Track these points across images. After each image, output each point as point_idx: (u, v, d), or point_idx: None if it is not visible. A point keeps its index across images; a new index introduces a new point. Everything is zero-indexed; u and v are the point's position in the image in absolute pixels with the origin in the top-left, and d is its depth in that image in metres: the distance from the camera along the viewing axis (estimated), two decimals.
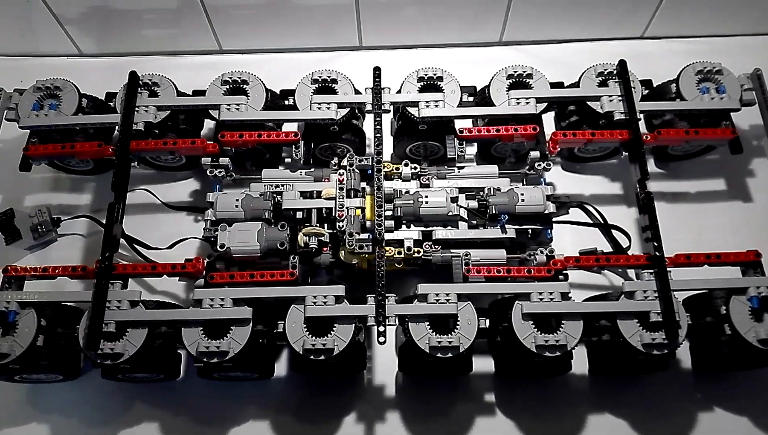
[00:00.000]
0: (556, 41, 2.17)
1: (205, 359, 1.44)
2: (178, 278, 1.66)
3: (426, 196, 1.60)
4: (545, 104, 1.71)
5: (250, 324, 1.45)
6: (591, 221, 1.76)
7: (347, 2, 2.02)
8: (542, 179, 1.70)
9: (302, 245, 1.56)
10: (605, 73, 1.73)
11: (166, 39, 2.16)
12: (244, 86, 1.74)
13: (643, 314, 1.45)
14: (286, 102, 1.78)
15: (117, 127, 1.68)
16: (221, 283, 1.52)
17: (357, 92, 1.73)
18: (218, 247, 1.55)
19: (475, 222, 1.62)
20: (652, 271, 1.51)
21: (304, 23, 2.10)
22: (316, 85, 1.73)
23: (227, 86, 1.74)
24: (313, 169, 1.69)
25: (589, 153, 1.87)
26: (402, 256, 1.57)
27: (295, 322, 1.45)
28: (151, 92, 1.75)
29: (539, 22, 2.11)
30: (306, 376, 1.63)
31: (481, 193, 1.64)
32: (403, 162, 1.68)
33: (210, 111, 1.72)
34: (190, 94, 1.80)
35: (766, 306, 1.46)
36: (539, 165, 1.70)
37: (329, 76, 1.73)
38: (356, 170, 1.63)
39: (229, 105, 1.70)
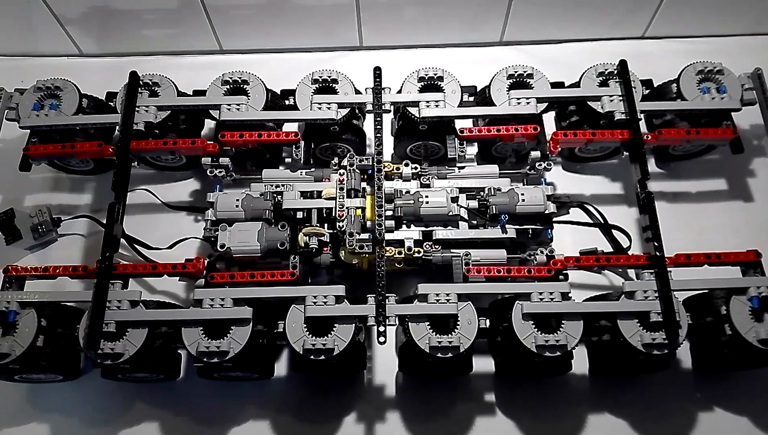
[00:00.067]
0: (556, 41, 2.17)
1: (205, 359, 1.44)
2: (178, 278, 1.66)
3: (426, 196, 1.60)
4: (546, 104, 1.71)
5: (251, 324, 1.45)
6: (591, 221, 1.76)
7: (347, 2, 2.02)
8: (543, 179, 1.70)
9: (302, 245, 1.56)
10: (606, 73, 1.73)
11: (166, 39, 2.16)
12: (245, 86, 1.74)
13: (643, 314, 1.45)
14: (287, 102, 1.78)
15: (117, 127, 1.68)
16: (221, 283, 1.52)
17: (357, 92, 1.73)
18: (218, 247, 1.55)
19: (475, 222, 1.62)
20: (652, 271, 1.51)
21: (304, 23, 2.10)
22: (317, 85, 1.73)
23: (227, 86, 1.74)
24: (313, 169, 1.69)
25: (589, 153, 1.87)
26: (402, 256, 1.57)
27: (296, 322, 1.45)
28: (151, 92, 1.75)
29: (539, 22, 2.11)
30: (306, 376, 1.63)
31: (482, 193, 1.64)
32: (404, 162, 1.68)
33: (210, 111, 1.72)
34: (191, 94, 1.80)
35: (766, 306, 1.46)
36: (540, 165, 1.70)
37: (329, 76, 1.73)
38: (356, 170, 1.63)
39: (229, 105, 1.70)
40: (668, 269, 1.48)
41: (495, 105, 1.70)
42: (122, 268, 1.55)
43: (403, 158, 1.77)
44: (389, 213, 1.59)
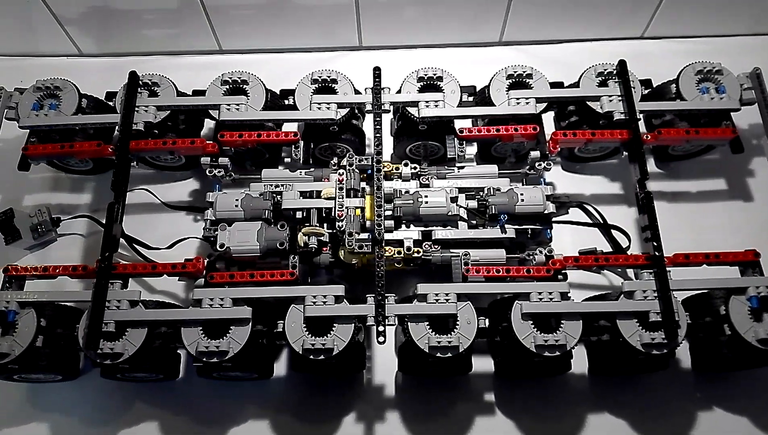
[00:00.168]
0: (556, 41, 2.17)
1: (204, 359, 1.44)
2: (177, 278, 1.66)
3: (426, 196, 1.60)
4: (545, 104, 1.71)
5: (250, 324, 1.45)
6: (590, 221, 1.76)
7: (347, 2, 2.02)
8: (542, 179, 1.70)
9: (302, 245, 1.56)
10: (605, 73, 1.73)
11: (166, 39, 2.16)
12: (244, 86, 1.74)
13: (642, 314, 1.45)
14: (286, 102, 1.78)
15: (117, 127, 1.68)
16: (221, 282, 1.52)
17: (357, 92, 1.73)
18: (218, 247, 1.55)
19: (474, 222, 1.62)
20: (651, 270, 1.51)
21: (304, 23, 2.10)
22: (316, 85, 1.73)
23: (227, 86, 1.74)
24: (312, 169, 1.69)
25: (589, 153, 1.87)
26: (402, 255, 1.57)
27: (295, 322, 1.45)
28: (151, 92, 1.75)
29: (539, 22, 2.11)
30: (305, 376, 1.63)
31: (481, 193, 1.64)
32: (403, 162, 1.68)
33: (210, 111, 1.72)
34: (190, 94, 1.80)
35: (765, 306, 1.46)
36: (539, 165, 1.70)
37: (329, 76, 1.73)
38: (356, 170, 1.63)
39: (228, 105, 1.70)
40: (667, 269, 1.48)
41: (494, 105, 1.70)
42: (122, 268, 1.55)
43: (403, 158, 1.77)
44: (388, 213, 1.59)
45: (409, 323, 1.45)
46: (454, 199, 1.62)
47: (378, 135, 1.60)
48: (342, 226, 1.55)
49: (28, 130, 1.72)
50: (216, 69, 1.78)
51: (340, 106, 1.69)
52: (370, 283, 1.47)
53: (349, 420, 1.61)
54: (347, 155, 1.66)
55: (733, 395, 1.61)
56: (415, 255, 1.57)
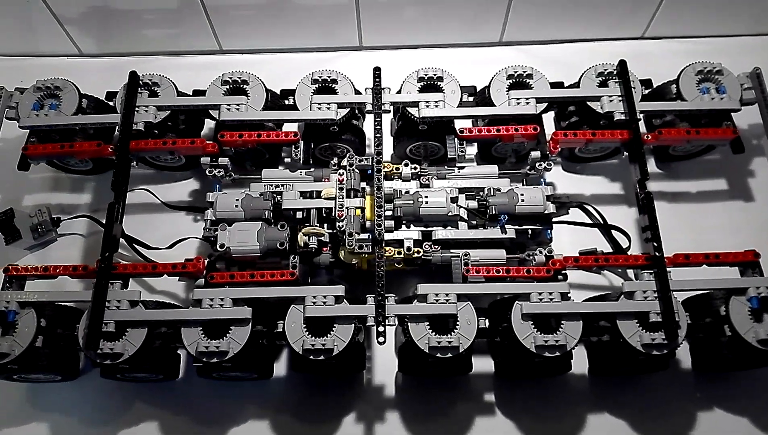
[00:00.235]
0: (556, 41, 2.17)
1: (204, 359, 1.44)
2: (178, 278, 1.66)
3: (426, 196, 1.60)
4: (545, 104, 1.71)
5: (250, 324, 1.45)
6: (591, 221, 1.76)
7: (347, 2, 2.02)
8: (542, 179, 1.70)
9: (302, 245, 1.56)
10: (605, 73, 1.73)
11: (166, 39, 2.16)
12: (244, 86, 1.74)
13: (642, 314, 1.45)
14: (286, 102, 1.78)
15: (117, 127, 1.68)
16: (221, 282, 1.52)
17: (357, 92, 1.73)
18: (218, 247, 1.55)
19: (474, 222, 1.62)
20: (651, 271, 1.51)
21: (304, 23, 2.10)
22: (316, 85, 1.73)
23: (227, 86, 1.74)
24: (313, 169, 1.69)
25: (589, 153, 1.87)
26: (402, 256, 1.57)
27: (295, 322, 1.45)
28: (151, 92, 1.75)
29: (539, 22, 2.11)
30: (305, 376, 1.63)
31: (481, 194, 1.64)
32: (403, 162, 1.68)
33: (210, 111, 1.72)
34: (190, 94, 1.80)
35: (765, 306, 1.46)
36: (540, 165, 1.70)
37: (329, 76, 1.73)
38: (356, 170, 1.63)
39: (229, 105, 1.70)
40: (667, 269, 1.48)
41: (494, 105, 1.70)
42: (122, 268, 1.55)
43: (403, 158, 1.77)
44: (389, 213, 1.59)
45: (409, 323, 1.45)
46: (454, 200, 1.62)
47: (378, 135, 1.60)
48: (342, 226, 1.55)
49: (28, 130, 1.72)
50: (216, 69, 1.78)
51: (341, 106, 1.69)
52: (370, 284, 1.46)
53: (349, 420, 1.61)
54: (347, 155, 1.66)
55: (734, 395, 1.61)
56: (415, 255, 1.57)
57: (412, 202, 1.60)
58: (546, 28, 2.13)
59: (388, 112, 1.69)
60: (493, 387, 1.64)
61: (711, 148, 1.83)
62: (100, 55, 2.20)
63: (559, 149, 1.68)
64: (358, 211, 1.58)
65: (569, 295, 1.48)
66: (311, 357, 1.43)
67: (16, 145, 1.75)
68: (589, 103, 1.71)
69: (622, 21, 2.11)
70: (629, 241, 1.73)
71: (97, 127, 1.73)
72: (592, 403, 1.62)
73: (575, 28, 2.14)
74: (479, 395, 1.64)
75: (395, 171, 1.67)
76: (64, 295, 1.57)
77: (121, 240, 1.62)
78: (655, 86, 1.78)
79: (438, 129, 1.72)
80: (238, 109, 1.70)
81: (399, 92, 1.73)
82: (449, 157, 1.72)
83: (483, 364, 1.60)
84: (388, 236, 1.54)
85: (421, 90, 1.72)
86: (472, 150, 1.87)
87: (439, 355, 1.42)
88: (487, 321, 1.49)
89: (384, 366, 1.66)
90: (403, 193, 1.64)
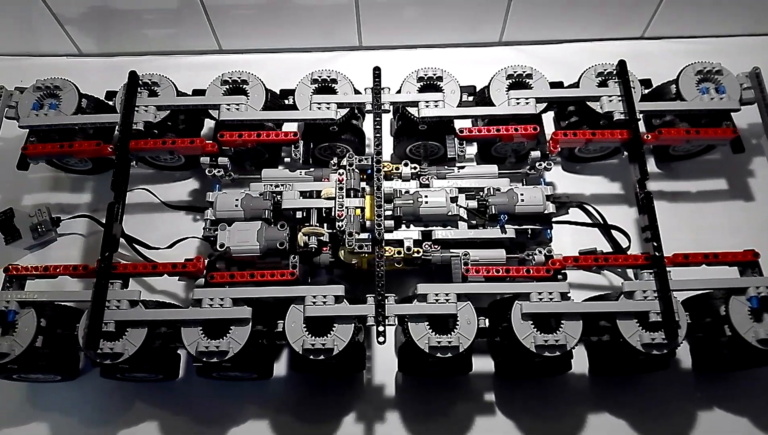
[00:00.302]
0: (556, 41, 2.17)
1: (204, 359, 1.44)
2: (178, 278, 1.66)
3: (426, 196, 1.60)
4: (545, 104, 1.71)
5: (250, 324, 1.45)
6: (591, 221, 1.76)
7: (347, 2, 2.02)
8: (542, 179, 1.70)
9: (302, 245, 1.56)
10: (605, 73, 1.73)
11: (166, 39, 2.16)
12: (244, 86, 1.74)
13: (642, 314, 1.45)
14: (286, 102, 1.78)
15: (116, 127, 1.68)
16: (221, 282, 1.52)
17: (357, 92, 1.73)
18: (218, 247, 1.55)
19: (474, 222, 1.62)
20: (651, 271, 1.51)
21: (304, 23, 2.10)
22: (316, 85, 1.73)
23: (227, 86, 1.74)
24: (312, 169, 1.69)
25: (589, 153, 1.87)
26: (402, 255, 1.57)
27: (295, 322, 1.45)
28: (150, 92, 1.75)
29: (539, 22, 2.11)
30: (305, 376, 1.63)
31: (481, 193, 1.64)
32: (403, 162, 1.68)
33: (210, 111, 1.72)
34: (190, 93, 1.80)
35: (765, 306, 1.46)
36: (540, 165, 1.70)
37: (329, 76, 1.73)
38: (356, 170, 1.63)
39: (228, 105, 1.70)
40: (667, 269, 1.48)
41: (494, 105, 1.70)
42: (122, 268, 1.55)
43: (403, 158, 1.77)
44: (388, 213, 1.59)
45: (409, 323, 1.45)
46: (454, 199, 1.62)
47: (378, 135, 1.60)
48: (342, 226, 1.55)
49: (28, 130, 1.72)
50: (216, 69, 1.78)
51: (340, 106, 1.69)
52: (370, 283, 1.46)
53: (349, 420, 1.61)
54: (347, 155, 1.66)
55: (733, 395, 1.61)
56: (415, 255, 1.57)
57: (411, 201, 1.60)
58: (546, 28, 2.14)
59: (388, 111, 1.69)
60: (493, 387, 1.64)
61: (711, 147, 1.84)
62: (100, 54, 2.20)
63: (559, 149, 1.68)
64: (358, 211, 1.58)
65: (569, 294, 1.48)
66: (311, 357, 1.43)
67: (15, 144, 1.75)
68: (588, 103, 1.71)
69: (622, 21, 2.11)
70: (629, 240, 1.73)
71: (96, 127, 1.73)
72: (592, 403, 1.62)
73: (575, 28, 2.14)
74: (479, 395, 1.64)
75: (395, 171, 1.67)
76: (64, 294, 1.57)
77: (121, 240, 1.62)
78: (654, 86, 1.78)
79: (438, 129, 1.72)
80: (237, 109, 1.70)
81: (399, 92, 1.73)
82: (449, 156, 1.72)
83: (483, 364, 1.60)
84: (387, 236, 1.54)
85: (421, 90, 1.72)
86: (471, 150, 1.87)
87: (439, 354, 1.42)
88: (486, 321, 1.49)
89: (384, 366, 1.66)
90: (402, 192, 1.64)
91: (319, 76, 1.73)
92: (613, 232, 1.75)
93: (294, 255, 1.57)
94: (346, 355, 1.44)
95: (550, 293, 1.46)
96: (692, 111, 1.69)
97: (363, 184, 1.64)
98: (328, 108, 1.68)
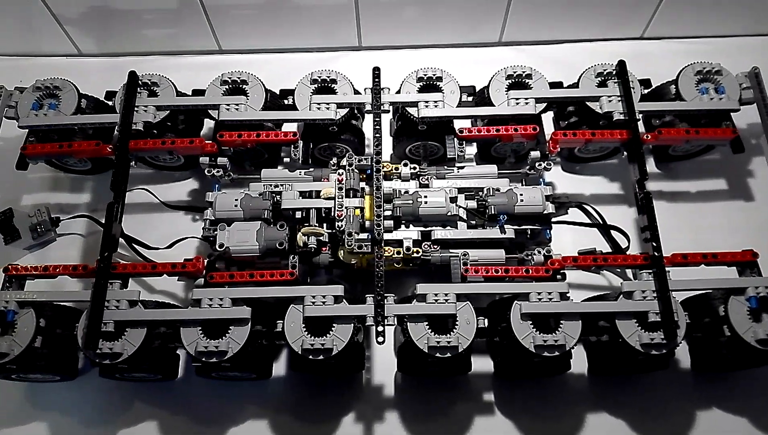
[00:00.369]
0: (555, 41, 2.17)
1: (203, 359, 1.44)
2: (177, 278, 1.66)
3: (425, 196, 1.60)
4: (544, 104, 1.71)
5: (249, 324, 1.45)
6: (590, 221, 1.76)
7: (347, 2, 2.02)
8: (541, 179, 1.70)
9: (301, 245, 1.56)
10: (604, 73, 1.73)
11: (166, 39, 2.16)
12: (244, 86, 1.74)
13: (641, 314, 1.45)
14: (286, 102, 1.78)
15: (116, 127, 1.68)
16: (220, 282, 1.52)
17: (356, 92, 1.73)
18: (217, 247, 1.55)
19: (474, 222, 1.62)
20: (650, 271, 1.51)
21: (304, 23, 2.10)
22: (316, 85, 1.73)
23: (227, 86, 1.74)
24: (312, 169, 1.69)
25: (589, 153, 1.87)
26: (401, 256, 1.57)
27: (294, 322, 1.45)
28: (150, 92, 1.75)
29: (539, 22, 2.11)
30: (305, 376, 1.63)
31: (480, 194, 1.64)
32: (403, 162, 1.68)
33: (209, 111, 1.72)
34: (190, 94, 1.80)
35: (764, 306, 1.46)
36: (540, 165, 1.70)
37: (329, 77, 1.73)
38: (355, 170, 1.63)
39: (228, 105, 1.70)
40: (666, 269, 1.48)
41: (494, 105, 1.70)
42: (121, 268, 1.55)
43: (402, 158, 1.77)
44: (388, 213, 1.59)
45: (408, 323, 1.45)
46: (453, 200, 1.62)
47: (377, 135, 1.60)
48: (341, 226, 1.55)
49: (27, 130, 1.72)
50: (216, 69, 1.78)
51: (340, 106, 1.69)
52: (370, 283, 1.46)
53: (348, 420, 1.61)
54: (347, 155, 1.66)
55: (732, 395, 1.62)
56: (415, 255, 1.57)
57: (411, 201, 1.60)
58: (545, 28, 2.14)
59: (388, 112, 1.69)
60: (493, 387, 1.64)
61: (710, 147, 1.84)
62: (100, 55, 2.20)
63: (559, 149, 1.68)
64: (358, 211, 1.58)
65: (568, 294, 1.48)
66: (310, 357, 1.43)
67: (15, 144, 1.74)
68: (588, 103, 1.71)
69: (622, 21, 2.11)
70: (628, 241, 1.73)
71: (96, 127, 1.73)
72: (592, 403, 1.62)
73: (575, 28, 2.14)
74: (479, 395, 1.64)
75: (394, 171, 1.67)
76: (64, 294, 1.57)
77: (121, 240, 1.62)
78: (654, 86, 1.78)
79: (437, 129, 1.72)
80: (237, 109, 1.70)
81: (398, 92, 1.73)
82: (448, 157, 1.72)
83: (482, 364, 1.61)
84: (387, 236, 1.55)
85: (421, 90, 1.72)
86: (471, 150, 1.88)
87: (438, 354, 1.42)
88: (486, 321, 1.48)
89: (383, 366, 1.66)
90: (402, 193, 1.64)
91: (319, 77, 1.73)
92: (612, 232, 1.75)
93: (293, 255, 1.57)
94: (345, 355, 1.44)
95: (550, 293, 1.46)
96: (692, 111, 1.69)
97: (362, 184, 1.64)
98: (327, 108, 1.68)
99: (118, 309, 1.47)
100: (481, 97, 1.75)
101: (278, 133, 1.70)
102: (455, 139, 1.72)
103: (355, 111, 1.74)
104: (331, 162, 1.68)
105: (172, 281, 1.70)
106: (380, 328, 1.43)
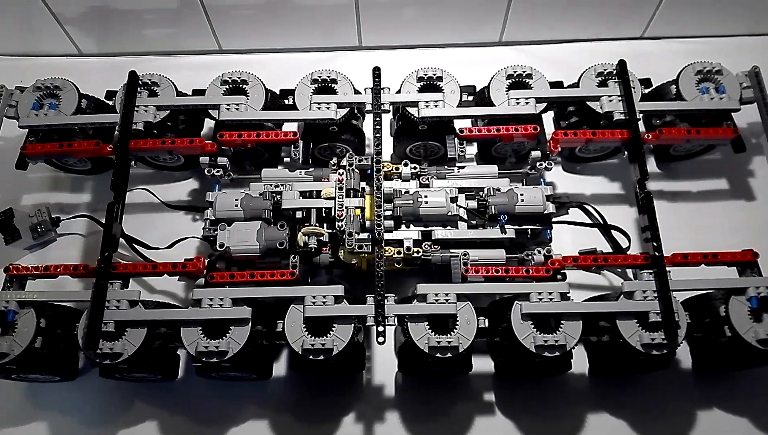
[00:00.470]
0: (555, 41, 2.17)
1: (204, 359, 1.44)
2: (177, 278, 1.66)
3: (425, 196, 1.59)
4: (545, 104, 1.71)
5: (250, 324, 1.45)
6: (591, 221, 1.76)
7: (347, 2, 2.02)
8: (542, 179, 1.70)
9: (302, 245, 1.56)
10: (605, 73, 1.73)
11: (166, 39, 2.16)
12: (244, 86, 1.74)
13: (642, 314, 1.45)
14: (286, 102, 1.78)
15: (116, 127, 1.68)
16: (221, 282, 1.52)
17: (357, 92, 1.73)
18: (218, 247, 1.54)
19: (474, 222, 1.62)
20: (651, 271, 1.51)
21: (304, 23, 2.10)
22: (316, 85, 1.73)
23: (227, 86, 1.74)
24: (312, 169, 1.69)
25: (589, 153, 1.87)
26: (401, 256, 1.57)
27: (295, 322, 1.45)
28: (150, 92, 1.75)
29: (539, 22, 2.11)
30: (305, 376, 1.63)
31: (481, 193, 1.64)
32: (403, 162, 1.68)
33: (209, 111, 1.72)
34: (190, 93, 1.80)
35: (765, 306, 1.46)
36: (540, 164, 1.69)
37: (329, 76, 1.73)
38: (356, 170, 1.63)
39: (228, 105, 1.70)
40: (667, 269, 1.48)
41: (494, 105, 1.70)
42: (122, 268, 1.55)
43: (403, 158, 1.77)
44: (388, 213, 1.59)
45: (408, 323, 1.45)
46: (453, 199, 1.62)
47: (378, 135, 1.60)
48: (342, 226, 1.55)
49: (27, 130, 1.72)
50: (216, 69, 1.78)
51: (340, 106, 1.69)
52: (370, 283, 1.46)
53: (348, 420, 1.61)
54: (347, 155, 1.66)
55: (733, 395, 1.61)
56: (415, 255, 1.57)
57: (411, 201, 1.59)
58: (545, 28, 2.13)
59: (388, 111, 1.69)
60: (493, 387, 1.64)
61: (711, 147, 1.84)
62: (100, 54, 2.20)
63: (559, 149, 1.68)
64: (358, 211, 1.58)
65: (569, 294, 1.48)
66: (311, 357, 1.43)
67: (15, 144, 1.74)
68: (588, 102, 1.71)
69: (622, 21, 2.11)
70: (629, 240, 1.73)
71: (96, 127, 1.73)
72: (592, 403, 1.62)
73: (575, 28, 2.14)
74: (479, 395, 1.63)
75: (395, 171, 1.67)
76: (64, 294, 1.57)
77: (121, 240, 1.62)
78: (654, 86, 1.77)
79: (438, 129, 1.72)
80: (237, 109, 1.70)
81: (398, 92, 1.73)
82: (449, 156, 1.72)
83: (483, 364, 1.61)
84: (387, 236, 1.54)
85: (421, 90, 1.72)
86: (471, 150, 1.88)
87: (438, 354, 1.42)
88: (486, 321, 1.48)
89: (383, 366, 1.66)
90: (402, 192, 1.64)
91: (319, 76, 1.73)
92: (612, 232, 1.75)
93: (294, 255, 1.57)
94: (345, 355, 1.44)
95: (550, 293, 1.46)
96: (692, 111, 1.69)
97: (363, 184, 1.63)
98: (327, 108, 1.68)
99: (118, 309, 1.47)
100: (482, 97, 1.75)
101: (278, 133, 1.70)
102: (456, 138, 1.71)
103: (356, 111, 1.74)
104: (331, 162, 1.68)
105: (172, 281, 1.70)
106: (380, 328, 1.43)
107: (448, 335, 1.42)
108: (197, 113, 1.79)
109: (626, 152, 1.69)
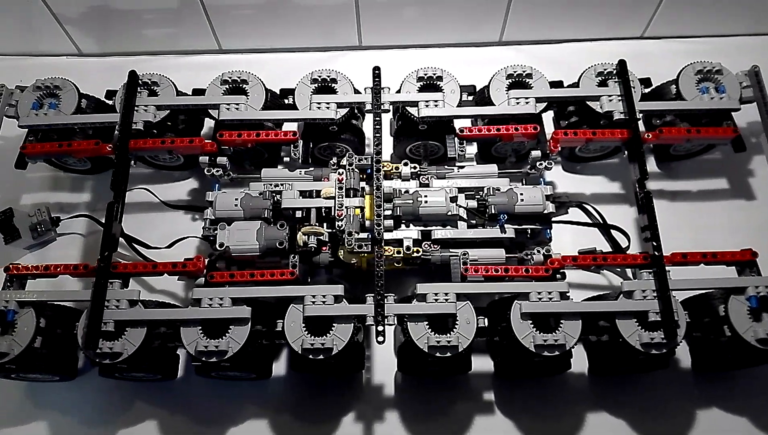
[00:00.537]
0: (555, 41, 2.17)
1: (203, 358, 1.44)
2: (177, 277, 1.66)
3: (425, 196, 1.60)
4: (545, 104, 1.71)
5: (249, 323, 1.45)
6: (590, 221, 1.76)
7: (347, 2, 2.02)
8: (542, 179, 1.70)
9: (301, 244, 1.56)
10: (605, 72, 1.73)
11: (166, 39, 2.16)
12: (244, 86, 1.74)
13: (641, 314, 1.45)
14: (286, 101, 1.78)
15: (116, 127, 1.68)
16: (221, 282, 1.52)
17: (356, 92, 1.73)
18: (217, 246, 1.55)
19: (474, 222, 1.62)
20: (650, 270, 1.51)
21: (304, 23, 2.10)
22: (316, 85, 1.73)
23: (227, 86, 1.74)
24: (312, 169, 1.69)
25: (589, 152, 1.87)
26: (401, 255, 1.57)
27: (294, 322, 1.45)
28: (150, 92, 1.75)
29: (539, 22, 2.11)
30: (305, 376, 1.63)
31: (481, 193, 1.64)
32: (403, 161, 1.68)
33: (209, 110, 1.72)
34: (190, 93, 1.80)
35: (764, 306, 1.46)
36: (540, 164, 1.70)
37: (329, 76, 1.73)
38: (355, 169, 1.63)
39: (228, 104, 1.70)
40: (666, 269, 1.48)
41: (494, 105, 1.70)
42: (122, 268, 1.55)
43: (403, 158, 1.77)
44: (388, 212, 1.59)
45: (408, 323, 1.45)
46: (453, 199, 1.62)
47: (378, 135, 1.60)
48: (341, 225, 1.55)
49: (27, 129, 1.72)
50: (216, 69, 1.78)
51: (340, 105, 1.69)
52: (370, 283, 1.46)
53: (348, 420, 1.61)
54: (347, 155, 1.66)
55: (733, 395, 1.62)
56: (415, 254, 1.57)
57: (411, 201, 1.60)
58: (545, 28, 2.14)
59: (388, 111, 1.69)
60: (493, 386, 1.64)
61: (711, 147, 1.84)
62: (100, 54, 2.20)
63: (559, 148, 1.68)
64: (358, 211, 1.58)
65: (568, 294, 1.48)
66: (310, 356, 1.43)
67: (15, 143, 1.74)
68: (588, 102, 1.71)
69: (622, 21, 2.11)
70: (628, 240, 1.73)
71: (96, 127, 1.73)
72: (592, 403, 1.62)
73: (575, 28, 2.14)
74: (479, 394, 1.63)
75: (395, 170, 1.67)
76: (64, 294, 1.57)
77: (121, 239, 1.62)
78: (654, 86, 1.78)
79: (438, 128, 1.72)
80: (237, 109, 1.70)
81: (398, 92, 1.73)
82: (449, 156, 1.72)
83: (482, 364, 1.61)
84: (387, 235, 1.54)
85: (421, 89, 1.72)
86: (471, 149, 1.87)
87: (438, 354, 1.42)
88: (486, 320, 1.48)
89: (383, 365, 1.66)
90: (402, 192, 1.64)
91: (319, 76, 1.73)
92: (612, 231, 1.75)
93: (294, 254, 1.57)
94: (345, 354, 1.44)
95: (550, 293, 1.46)
96: (692, 111, 1.70)
97: (363, 184, 1.63)
98: (327, 108, 1.68)
99: (118, 308, 1.47)
100: (482, 97, 1.75)
101: (278, 133, 1.70)
102: (455, 138, 1.72)
103: (356, 110, 1.74)
104: (331, 161, 1.68)
105: (172, 281, 1.70)
106: (380, 328, 1.43)
107: (448, 335, 1.42)
108: (197, 113, 1.79)
109: (626, 152, 1.69)
